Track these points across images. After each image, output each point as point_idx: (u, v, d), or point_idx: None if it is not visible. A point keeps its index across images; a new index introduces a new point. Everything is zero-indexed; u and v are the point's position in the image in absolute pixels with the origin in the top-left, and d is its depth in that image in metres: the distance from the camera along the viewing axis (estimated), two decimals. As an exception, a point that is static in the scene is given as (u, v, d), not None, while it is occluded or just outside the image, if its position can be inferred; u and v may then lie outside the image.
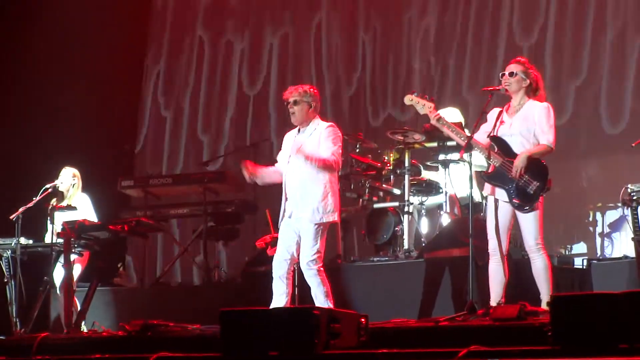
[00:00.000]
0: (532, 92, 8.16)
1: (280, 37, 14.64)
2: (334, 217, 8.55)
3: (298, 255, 8.62)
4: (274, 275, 8.64)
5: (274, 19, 14.70)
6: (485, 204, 8.75)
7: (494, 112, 8.25)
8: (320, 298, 8.48)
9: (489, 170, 8.11)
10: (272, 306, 8.50)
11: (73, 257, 10.07)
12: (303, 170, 8.55)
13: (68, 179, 11.00)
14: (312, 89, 8.76)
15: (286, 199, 8.65)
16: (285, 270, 8.60)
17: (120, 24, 14.69)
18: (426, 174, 10.66)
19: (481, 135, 8.16)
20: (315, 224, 8.49)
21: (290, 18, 14.60)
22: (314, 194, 8.52)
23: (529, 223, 7.98)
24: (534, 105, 8.10)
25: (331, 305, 8.33)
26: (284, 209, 8.67)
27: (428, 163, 10.66)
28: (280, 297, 8.57)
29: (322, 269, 8.51)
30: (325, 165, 8.48)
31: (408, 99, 8.34)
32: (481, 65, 13.00)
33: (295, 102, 8.67)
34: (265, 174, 8.88)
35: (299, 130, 8.79)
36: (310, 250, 8.50)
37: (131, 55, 15.16)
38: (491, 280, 8.07)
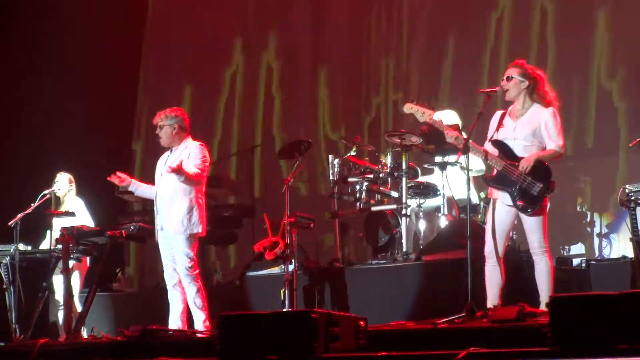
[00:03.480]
0: (534, 92, 8.12)
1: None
2: (199, 229, 9.22)
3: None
4: (167, 286, 9.28)
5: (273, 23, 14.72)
6: (484, 206, 8.76)
7: (496, 116, 8.25)
8: (198, 304, 9.13)
9: (492, 174, 8.11)
10: (170, 314, 9.22)
11: (71, 263, 10.08)
12: (171, 187, 9.16)
13: (65, 184, 11.03)
14: (175, 111, 9.34)
15: (157, 213, 9.27)
16: (177, 279, 9.22)
17: (116, 27, 14.68)
18: (422, 179, 10.66)
19: (487, 144, 8.16)
20: (181, 235, 9.10)
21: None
22: (180, 208, 9.11)
23: (534, 226, 7.97)
24: (539, 110, 8.06)
25: (206, 312, 9.08)
26: (156, 223, 9.28)
27: (425, 165, 10.66)
28: (176, 305, 9.22)
29: (199, 275, 9.21)
30: (190, 179, 9.07)
31: (407, 108, 8.35)
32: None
33: (160, 127, 9.30)
34: (140, 188, 9.48)
35: (170, 150, 9.36)
36: (183, 259, 9.12)
37: (127, 58, 15.13)
38: (488, 282, 8.07)
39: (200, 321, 9.07)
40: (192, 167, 9.16)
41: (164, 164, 9.30)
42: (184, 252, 9.09)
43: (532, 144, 8.03)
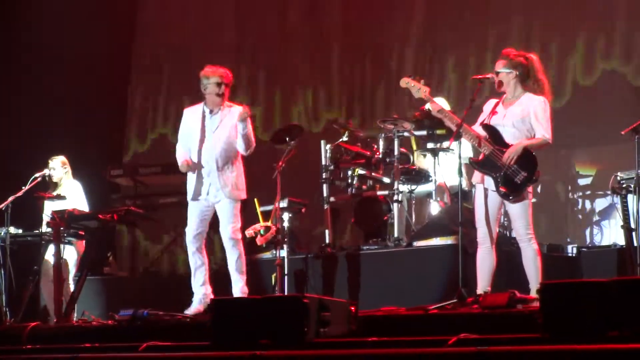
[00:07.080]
0: (526, 79, 8.11)
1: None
2: (244, 194, 9.12)
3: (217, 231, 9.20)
4: (188, 251, 9.08)
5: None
6: (474, 192, 8.76)
7: (490, 103, 8.24)
8: (239, 268, 8.95)
9: (479, 158, 8.12)
10: (194, 280, 9.04)
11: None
12: (222, 151, 9.01)
13: (59, 167, 10.98)
14: (231, 74, 9.18)
15: (201, 177, 9.01)
16: (199, 244, 9.07)
17: (109, 13, 14.64)
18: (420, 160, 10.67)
19: (477, 127, 8.16)
20: (233, 200, 8.95)
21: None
22: (232, 173, 9.02)
23: (519, 213, 7.98)
24: (530, 98, 8.06)
25: (245, 278, 8.94)
26: (196, 189, 9.02)
27: (417, 151, 10.65)
28: (200, 268, 9.05)
29: (241, 240, 9.05)
30: (251, 145, 9.03)
31: (404, 82, 8.35)
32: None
33: (218, 85, 9.04)
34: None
35: (210, 111, 9.11)
36: (231, 223, 8.96)
37: (120, 42, 15.10)
38: (479, 268, 8.07)
39: (238, 286, 8.94)
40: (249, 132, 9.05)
41: (202, 122, 9.08)
42: (232, 216, 8.97)
43: (521, 131, 8.03)
